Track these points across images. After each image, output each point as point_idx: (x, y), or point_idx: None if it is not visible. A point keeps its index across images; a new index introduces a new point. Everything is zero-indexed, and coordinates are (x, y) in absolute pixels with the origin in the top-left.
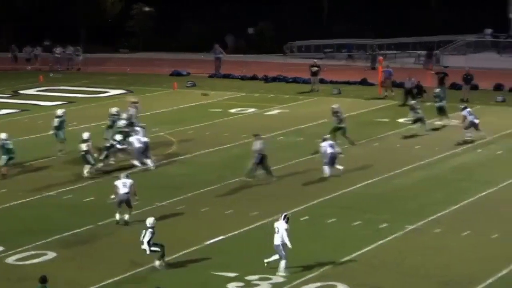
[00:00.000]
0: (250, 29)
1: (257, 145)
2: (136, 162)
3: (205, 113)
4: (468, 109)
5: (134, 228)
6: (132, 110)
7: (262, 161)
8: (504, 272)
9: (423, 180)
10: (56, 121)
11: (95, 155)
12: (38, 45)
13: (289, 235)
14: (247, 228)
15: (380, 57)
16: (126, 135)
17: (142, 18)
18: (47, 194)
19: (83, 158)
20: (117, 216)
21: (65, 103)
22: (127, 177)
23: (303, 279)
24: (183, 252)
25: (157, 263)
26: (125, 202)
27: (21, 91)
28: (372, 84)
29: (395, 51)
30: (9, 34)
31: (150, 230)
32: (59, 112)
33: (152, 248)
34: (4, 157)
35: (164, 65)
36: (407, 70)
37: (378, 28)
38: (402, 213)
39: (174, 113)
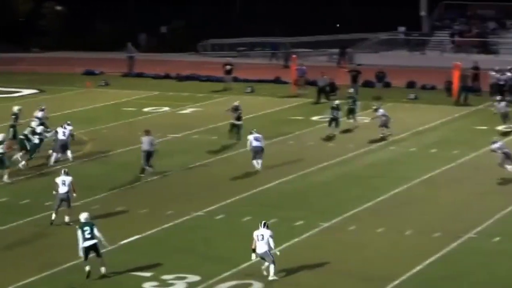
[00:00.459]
0: (163, 28)
1: (145, 142)
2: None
3: (119, 112)
4: (382, 110)
5: (46, 230)
6: (40, 113)
7: (146, 157)
8: (418, 268)
9: (338, 177)
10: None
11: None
12: None
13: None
14: (162, 227)
15: (294, 55)
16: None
17: (54, 17)
18: None
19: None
20: (53, 216)
21: None
22: (67, 174)
23: (218, 277)
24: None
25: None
26: (65, 201)
27: None
28: (285, 83)
29: (308, 49)
30: None
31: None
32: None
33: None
34: None
35: (77, 64)
36: (320, 68)
37: (291, 26)
38: (318, 210)
39: (88, 112)
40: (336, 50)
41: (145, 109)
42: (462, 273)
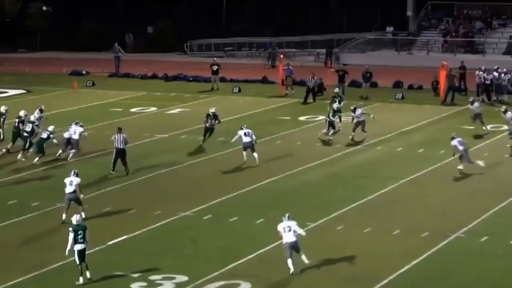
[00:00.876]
0: (150, 28)
1: (118, 140)
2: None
3: (106, 113)
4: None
5: (33, 231)
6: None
7: (118, 156)
8: (406, 267)
9: (325, 177)
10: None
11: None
12: None
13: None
14: (150, 227)
15: (281, 55)
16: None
17: (40, 17)
18: None
19: None
20: (63, 216)
21: None
22: (76, 175)
23: (206, 278)
24: (86, 252)
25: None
26: (74, 201)
27: None
28: (272, 82)
29: (294, 49)
30: None
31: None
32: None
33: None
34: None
35: (63, 64)
36: (307, 68)
37: (277, 26)
38: (305, 210)
39: (75, 112)
40: (323, 50)
41: (132, 110)
42: (450, 272)
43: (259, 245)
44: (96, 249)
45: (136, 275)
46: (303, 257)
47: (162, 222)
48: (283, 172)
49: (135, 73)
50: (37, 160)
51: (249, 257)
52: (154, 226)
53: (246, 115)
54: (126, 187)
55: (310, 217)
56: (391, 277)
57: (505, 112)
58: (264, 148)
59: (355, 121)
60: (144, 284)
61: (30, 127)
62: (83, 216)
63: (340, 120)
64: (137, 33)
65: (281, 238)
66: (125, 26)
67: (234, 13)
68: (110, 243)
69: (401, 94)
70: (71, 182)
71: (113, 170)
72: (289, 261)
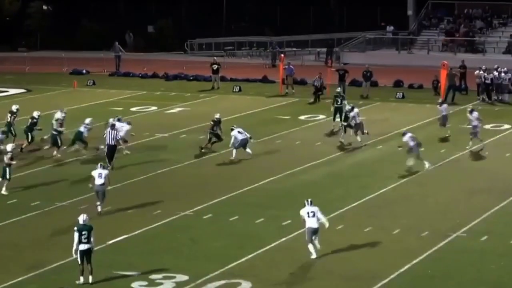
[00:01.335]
0: (150, 27)
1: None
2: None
3: (106, 112)
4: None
5: (33, 230)
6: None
7: (109, 151)
8: (406, 267)
9: (325, 176)
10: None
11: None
12: None
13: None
14: (150, 227)
15: (282, 55)
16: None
17: (40, 16)
18: None
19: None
20: (98, 208)
21: None
22: (103, 167)
23: (207, 277)
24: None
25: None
26: (100, 193)
27: None
28: (272, 82)
29: (295, 49)
30: None
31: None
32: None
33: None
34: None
35: (63, 64)
36: (307, 67)
37: (278, 25)
38: None
39: (75, 112)
40: (323, 49)
41: (133, 109)
42: (450, 272)
43: (259, 245)
44: (95, 248)
45: (136, 274)
46: (316, 242)
47: (162, 222)
48: (283, 172)
49: (135, 72)
50: (84, 151)
51: (249, 256)
52: (154, 225)
53: (246, 115)
54: (126, 186)
55: None
56: (391, 276)
57: (471, 111)
58: (264, 148)
59: (353, 122)
60: (145, 283)
61: (58, 125)
62: (99, 210)
63: (341, 119)
64: (138, 32)
65: (303, 223)
66: (126, 25)
67: (234, 12)
68: (110, 242)
69: (401, 94)
70: (100, 174)
71: (109, 165)
72: (310, 246)
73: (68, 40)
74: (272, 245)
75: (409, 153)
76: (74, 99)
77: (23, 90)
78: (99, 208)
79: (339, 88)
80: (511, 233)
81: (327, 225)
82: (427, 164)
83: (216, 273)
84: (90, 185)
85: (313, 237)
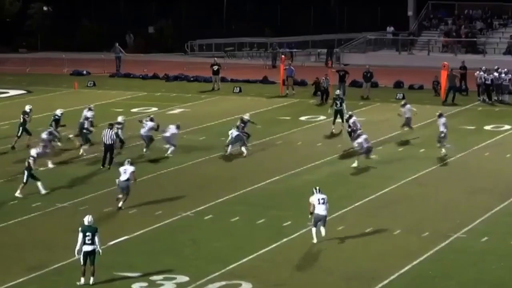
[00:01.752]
0: (150, 28)
1: (106, 136)
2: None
3: (107, 113)
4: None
5: (34, 231)
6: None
7: (107, 151)
8: (407, 267)
9: (326, 177)
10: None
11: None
12: None
13: None
14: (151, 227)
15: (283, 56)
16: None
17: (41, 17)
18: None
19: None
20: (120, 203)
21: None
22: (130, 164)
23: (207, 278)
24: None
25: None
26: (125, 189)
27: None
28: (273, 82)
29: (295, 49)
30: None
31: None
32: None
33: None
34: None
35: (64, 65)
36: (308, 68)
37: (278, 26)
38: (306, 211)
39: (76, 113)
40: (324, 50)
41: (133, 110)
42: (451, 272)
43: (260, 245)
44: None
45: (137, 275)
46: (322, 229)
47: (163, 222)
48: (284, 172)
49: (136, 73)
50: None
51: (250, 257)
52: (155, 226)
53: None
54: None
55: None
56: (392, 277)
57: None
58: (265, 148)
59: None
60: (145, 284)
61: (89, 124)
62: (120, 205)
63: (343, 121)
64: (138, 33)
65: (312, 209)
66: (126, 26)
67: (234, 13)
68: (111, 243)
69: (401, 94)
70: (125, 170)
71: (102, 166)
72: (313, 230)
73: (69, 41)
74: (273, 246)
75: (359, 154)
76: (75, 100)
77: (23, 91)
78: (120, 203)
79: (338, 90)
80: None
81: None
82: (373, 156)
83: (216, 274)
84: (117, 181)
85: (319, 223)
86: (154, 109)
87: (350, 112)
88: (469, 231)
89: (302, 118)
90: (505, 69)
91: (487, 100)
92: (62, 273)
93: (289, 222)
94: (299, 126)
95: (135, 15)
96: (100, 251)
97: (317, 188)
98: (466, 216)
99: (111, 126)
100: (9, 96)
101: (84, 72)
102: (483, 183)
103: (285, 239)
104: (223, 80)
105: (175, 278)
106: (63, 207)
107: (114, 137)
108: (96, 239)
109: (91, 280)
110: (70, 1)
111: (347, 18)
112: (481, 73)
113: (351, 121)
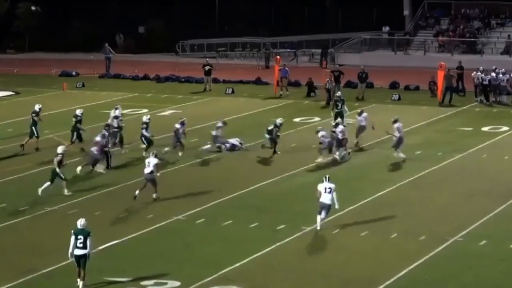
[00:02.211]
0: (141, 28)
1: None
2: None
3: (97, 114)
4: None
5: (23, 235)
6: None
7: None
8: (404, 271)
9: (321, 179)
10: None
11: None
12: None
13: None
14: (142, 231)
15: (277, 56)
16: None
17: (29, 17)
18: None
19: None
20: (137, 192)
21: None
22: (154, 156)
23: (199, 283)
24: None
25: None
26: (150, 181)
27: None
28: (266, 83)
29: (289, 50)
30: None
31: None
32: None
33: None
34: None
35: (53, 65)
36: (302, 68)
37: (271, 26)
38: (300, 213)
39: (64, 114)
40: (318, 50)
41: (124, 111)
42: (448, 276)
43: (253, 249)
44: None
45: (127, 280)
46: (323, 214)
47: (154, 226)
48: (278, 175)
49: (126, 74)
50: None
51: (243, 261)
52: (146, 230)
53: (239, 117)
54: (117, 190)
55: (305, 220)
56: (388, 282)
57: (395, 121)
58: (259, 150)
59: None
60: None
61: (117, 123)
62: (154, 196)
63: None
64: (128, 33)
65: (319, 196)
66: (116, 26)
67: (227, 13)
68: (101, 247)
69: (397, 95)
70: (149, 163)
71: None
72: (318, 218)
73: (58, 42)
74: (267, 249)
75: (321, 150)
76: (64, 102)
77: (11, 93)
78: (154, 196)
79: (339, 92)
80: (511, 237)
81: (337, 206)
82: (337, 156)
83: (209, 278)
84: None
85: (323, 212)
86: (145, 110)
87: (337, 120)
88: (467, 235)
89: (296, 119)
90: (503, 69)
91: (484, 101)
92: (52, 277)
93: (283, 226)
94: (293, 127)
95: (125, 15)
96: (89, 255)
97: (327, 176)
98: (464, 219)
99: (107, 128)
100: None
101: (73, 73)
102: (481, 185)
103: (278, 243)
104: (215, 81)
105: (166, 283)
106: (53, 211)
107: (108, 138)
108: (88, 243)
109: (81, 285)
110: (59, 1)
111: (342, 18)
112: (479, 73)
113: (338, 129)
